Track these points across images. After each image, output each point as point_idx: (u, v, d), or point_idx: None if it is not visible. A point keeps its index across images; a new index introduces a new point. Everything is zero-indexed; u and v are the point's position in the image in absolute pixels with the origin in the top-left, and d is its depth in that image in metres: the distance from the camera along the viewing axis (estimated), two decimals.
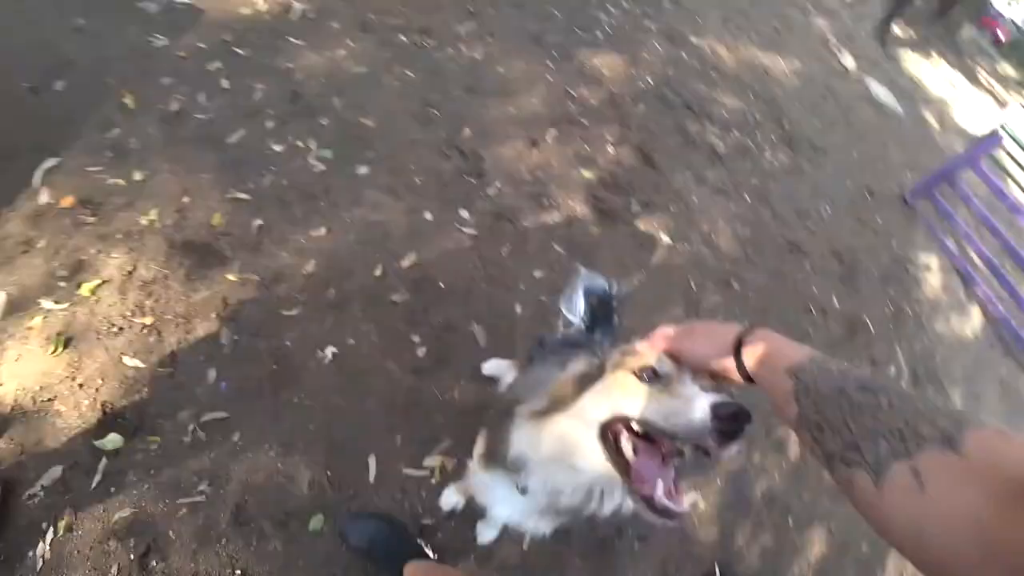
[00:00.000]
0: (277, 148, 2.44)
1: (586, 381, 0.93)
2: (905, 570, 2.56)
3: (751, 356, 0.74)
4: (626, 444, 0.84)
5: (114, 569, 1.52)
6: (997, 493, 0.41)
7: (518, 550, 1.85)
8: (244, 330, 1.97)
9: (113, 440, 1.66)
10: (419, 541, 1.73)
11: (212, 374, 1.85)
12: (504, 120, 3.05)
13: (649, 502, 0.77)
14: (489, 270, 2.40)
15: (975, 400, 3.74)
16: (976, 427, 0.47)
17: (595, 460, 0.88)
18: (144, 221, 2.08)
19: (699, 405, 0.74)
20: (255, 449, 1.77)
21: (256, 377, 1.89)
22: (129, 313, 1.89)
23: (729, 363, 0.77)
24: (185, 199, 2.18)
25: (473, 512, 1.82)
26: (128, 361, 1.80)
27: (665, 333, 0.91)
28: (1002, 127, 4.20)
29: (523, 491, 1.05)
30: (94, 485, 1.60)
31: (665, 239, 2.89)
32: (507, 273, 2.43)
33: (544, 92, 3.36)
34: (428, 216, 2.46)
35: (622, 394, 0.86)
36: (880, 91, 6.15)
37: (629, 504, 0.95)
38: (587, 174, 2.94)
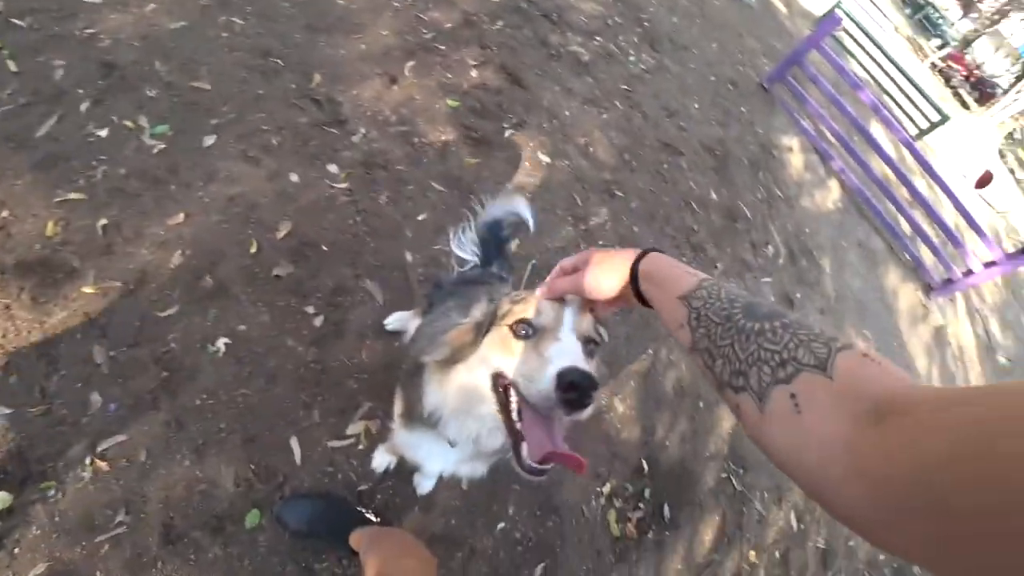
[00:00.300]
0: (101, 133, 2.19)
1: (481, 329, 0.98)
2: None
3: (645, 282, 0.79)
4: (513, 400, 0.89)
5: None
6: (859, 413, 0.46)
7: (458, 492, 1.98)
8: (119, 343, 1.84)
9: (1, 499, 1.55)
10: (359, 508, 1.80)
11: (96, 399, 1.74)
12: (356, 58, 2.91)
13: (518, 458, 0.84)
14: (371, 222, 2.37)
15: (841, 265, 4.31)
16: (845, 350, 0.52)
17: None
18: None
19: (548, 372, 0.79)
20: (167, 463, 1.72)
21: (147, 389, 1.79)
22: None
23: (628, 291, 0.82)
24: (3, 213, 1.93)
25: (407, 467, 1.91)
26: None
27: (563, 268, 0.95)
28: (838, 7, 4.61)
29: (452, 443, 1.12)
30: None
31: (544, 158, 2.98)
32: (390, 222, 2.41)
33: (393, 21, 3.22)
34: (294, 178, 2.35)
35: (501, 350, 0.92)
36: None
37: None
38: (453, 103, 2.92)
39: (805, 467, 0.50)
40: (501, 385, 0.91)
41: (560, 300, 0.94)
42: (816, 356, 0.53)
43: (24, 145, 2.08)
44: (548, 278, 0.96)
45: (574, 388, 0.75)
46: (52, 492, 1.60)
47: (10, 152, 2.06)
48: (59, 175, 2.06)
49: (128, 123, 2.25)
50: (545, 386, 0.78)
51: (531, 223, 1.88)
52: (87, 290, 1.89)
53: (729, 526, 2.53)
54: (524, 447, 0.83)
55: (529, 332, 0.91)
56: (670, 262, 0.78)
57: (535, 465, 0.81)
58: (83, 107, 2.23)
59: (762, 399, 0.55)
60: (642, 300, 0.81)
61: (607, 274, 0.84)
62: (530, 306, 0.94)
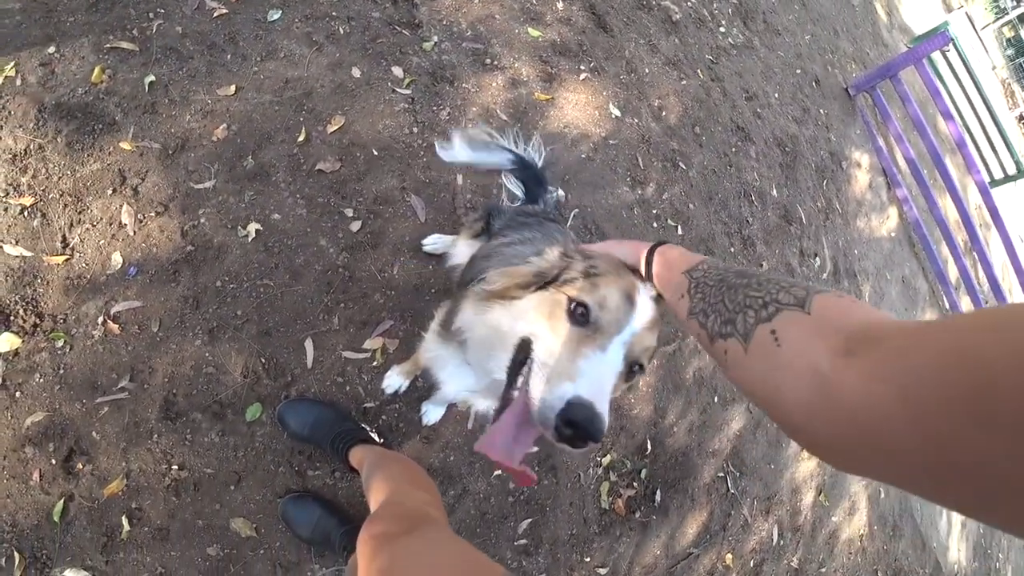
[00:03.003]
0: None
1: (541, 279, 0.91)
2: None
3: (659, 264, 0.84)
4: (521, 377, 0.83)
5: (36, 475, 1.48)
6: (834, 344, 0.49)
7: (462, 430, 1.95)
8: (149, 207, 1.79)
9: (8, 340, 1.54)
10: (363, 426, 1.77)
11: (117, 259, 1.70)
12: None
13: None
14: (427, 136, 2.25)
15: (880, 296, 4.19)
16: (823, 292, 0.56)
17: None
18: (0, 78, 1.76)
19: (562, 391, 0.73)
20: (178, 339, 1.69)
21: (170, 260, 1.75)
22: (1, 193, 1.66)
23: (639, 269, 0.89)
24: (50, 49, 1.85)
25: (417, 393, 1.88)
26: (10, 250, 1.61)
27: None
28: (947, 27, 4.33)
29: (469, 363, 1.10)
30: None
31: (615, 111, 2.83)
32: (446, 139, 2.29)
33: None
34: (356, 73, 2.23)
35: (545, 316, 0.84)
36: None
37: None
38: (534, 32, 2.75)
39: (781, 396, 0.53)
40: (523, 354, 0.84)
41: (632, 295, 0.84)
42: (795, 296, 0.57)
43: None
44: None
45: (574, 427, 0.70)
46: (61, 344, 1.59)
47: None
48: (113, 20, 1.98)
49: None
50: (551, 402, 0.72)
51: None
52: (125, 146, 1.83)
53: (714, 525, 2.52)
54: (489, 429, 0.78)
55: (584, 320, 0.82)
56: (682, 250, 0.84)
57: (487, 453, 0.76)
58: None
59: (746, 339, 0.58)
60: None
61: (623, 251, 0.93)
62: (602, 287, 0.84)
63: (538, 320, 0.85)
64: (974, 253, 4.88)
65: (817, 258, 3.56)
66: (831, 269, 3.66)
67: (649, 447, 2.36)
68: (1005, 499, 0.34)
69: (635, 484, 2.30)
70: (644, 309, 0.84)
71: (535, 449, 0.80)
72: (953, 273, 5.03)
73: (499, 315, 0.93)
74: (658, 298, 0.87)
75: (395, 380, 1.83)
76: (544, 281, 0.90)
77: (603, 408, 0.72)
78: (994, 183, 6.61)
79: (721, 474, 2.62)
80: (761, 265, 3.05)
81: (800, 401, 0.50)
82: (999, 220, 4.44)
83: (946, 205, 4.89)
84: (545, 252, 0.97)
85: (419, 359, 1.65)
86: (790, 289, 0.58)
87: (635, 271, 0.90)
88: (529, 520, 1.99)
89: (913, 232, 4.98)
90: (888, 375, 0.42)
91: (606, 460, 2.23)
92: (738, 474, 2.68)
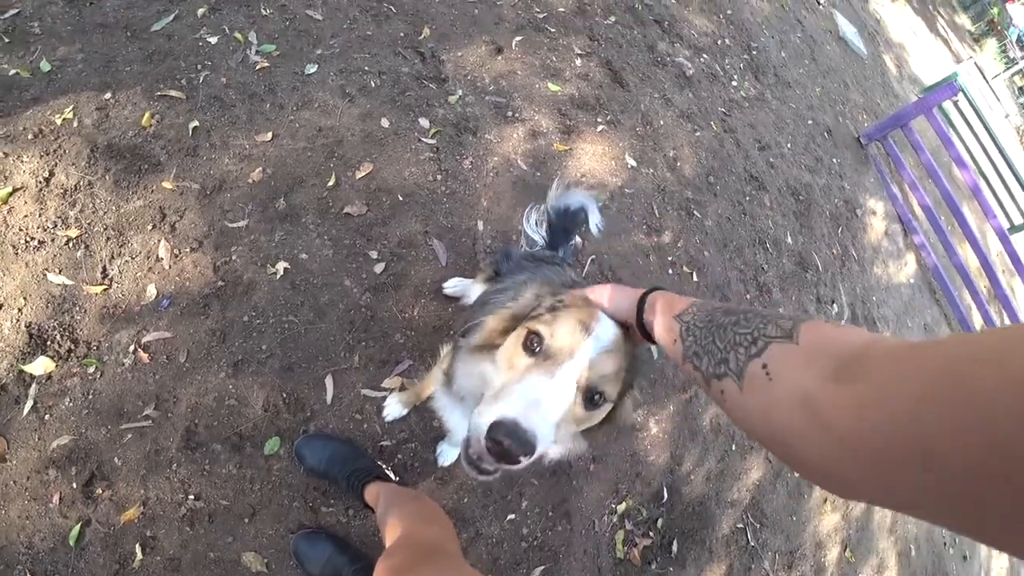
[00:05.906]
0: (212, 40, 2.23)
1: (515, 321, 0.90)
2: (829, 496, 2.86)
3: (649, 312, 0.81)
4: None
5: (56, 498, 1.49)
6: (823, 370, 0.48)
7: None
8: (185, 243, 1.85)
9: (43, 364, 1.58)
10: (379, 463, 1.76)
11: (151, 291, 1.76)
12: (466, 22, 2.87)
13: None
14: (450, 184, 2.33)
15: None
16: (809, 320, 0.55)
17: None
18: (58, 120, 1.89)
19: (488, 415, 0.72)
20: (203, 371, 1.72)
21: (201, 294, 1.80)
22: (50, 225, 1.74)
23: (631, 320, 0.85)
24: (107, 95, 1.98)
25: (434, 434, 1.87)
26: (53, 278, 1.68)
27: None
28: (956, 78, 4.37)
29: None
30: (25, 412, 1.54)
31: (631, 162, 2.89)
32: (469, 188, 2.37)
33: None
34: (384, 123, 2.33)
35: (509, 354, 0.85)
36: (847, 28, 6.22)
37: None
38: (554, 87, 2.86)
39: (777, 429, 0.51)
40: None
41: (589, 324, 0.83)
42: (782, 328, 0.56)
43: (138, 36, 2.15)
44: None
45: (499, 445, 0.70)
46: (92, 370, 1.63)
47: (125, 39, 2.12)
48: (164, 71, 2.11)
49: (238, 35, 2.28)
50: (479, 427, 0.72)
51: (596, 229, 1.81)
52: (167, 185, 1.91)
53: None
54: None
55: (537, 349, 0.82)
56: (671, 295, 0.81)
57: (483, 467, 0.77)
58: (200, 12, 2.28)
59: (740, 377, 0.57)
60: (644, 334, 0.84)
61: (620, 297, 0.88)
62: (560, 318, 0.84)
63: (503, 358, 0.85)
64: (998, 300, 4.77)
65: (835, 304, 3.51)
66: (849, 315, 3.60)
67: (666, 495, 2.29)
68: (998, 522, 0.33)
69: (651, 533, 2.22)
70: (601, 337, 0.82)
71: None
72: (977, 320, 4.90)
73: (485, 366, 0.91)
74: (627, 331, 0.87)
75: (395, 408, 1.82)
76: (519, 323, 0.90)
77: (530, 424, 0.71)
78: (1014, 229, 6.49)
79: (740, 525, 2.52)
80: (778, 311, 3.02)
81: (794, 428, 0.49)
82: (1020, 266, 4.35)
83: (966, 252, 4.81)
84: (522, 295, 0.97)
85: (420, 391, 1.68)
86: (777, 321, 0.57)
87: (627, 323, 0.88)
88: (542, 568, 1.93)
89: (933, 279, 4.90)
90: (879, 401, 0.41)
91: (621, 507, 2.17)
92: (758, 526, 2.57)
